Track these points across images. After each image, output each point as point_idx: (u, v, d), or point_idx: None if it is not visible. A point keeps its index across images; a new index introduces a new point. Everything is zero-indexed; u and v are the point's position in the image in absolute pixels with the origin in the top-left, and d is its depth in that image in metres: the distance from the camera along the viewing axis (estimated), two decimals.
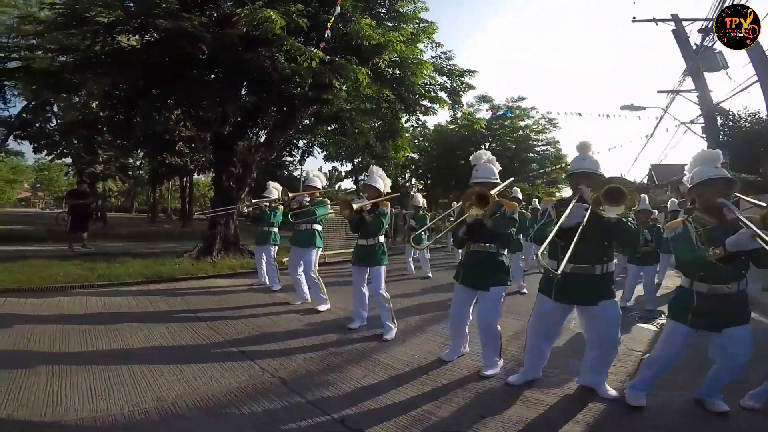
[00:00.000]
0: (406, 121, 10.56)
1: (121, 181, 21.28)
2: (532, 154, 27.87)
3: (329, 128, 12.45)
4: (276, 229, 5.98)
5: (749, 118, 12.50)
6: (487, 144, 28.17)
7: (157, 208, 27.92)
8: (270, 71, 7.33)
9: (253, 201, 5.87)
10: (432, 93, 9.70)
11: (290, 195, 4.95)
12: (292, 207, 4.87)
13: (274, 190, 5.96)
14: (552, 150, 27.77)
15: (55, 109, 16.63)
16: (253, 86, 7.94)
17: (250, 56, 6.75)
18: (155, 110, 9.42)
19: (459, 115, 21.87)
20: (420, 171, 31.09)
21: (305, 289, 5.03)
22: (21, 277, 5.39)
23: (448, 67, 9.75)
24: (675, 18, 12.23)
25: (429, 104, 9.50)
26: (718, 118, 12.36)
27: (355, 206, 3.67)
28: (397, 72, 8.83)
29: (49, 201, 49.62)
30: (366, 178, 4.02)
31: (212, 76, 8.07)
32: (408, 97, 9.37)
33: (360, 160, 28.59)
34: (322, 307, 4.74)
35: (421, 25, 9.00)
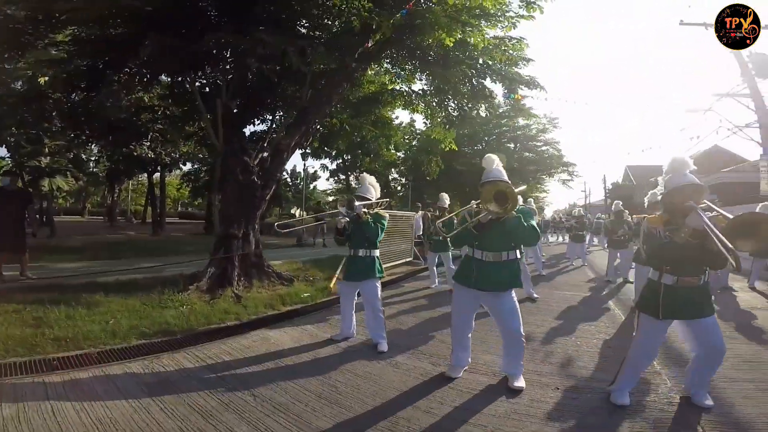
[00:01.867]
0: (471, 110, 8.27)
1: (73, 179, 17.67)
2: (531, 154, 26.76)
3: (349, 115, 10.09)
4: (378, 253, 3.67)
5: None
6: (483, 144, 26.77)
7: (115, 211, 24.09)
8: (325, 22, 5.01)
9: (358, 204, 3.44)
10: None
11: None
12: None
13: (371, 187, 3.66)
14: (552, 150, 26.79)
15: None
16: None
17: None
18: (133, 83, 6.72)
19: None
20: (404, 169, 28.78)
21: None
22: None
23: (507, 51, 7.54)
24: None
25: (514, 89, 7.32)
26: None
27: None
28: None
29: None
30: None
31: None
32: (478, 82, 7.17)
33: (349, 157, 26.25)
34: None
35: None
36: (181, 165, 19.67)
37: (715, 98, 12.06)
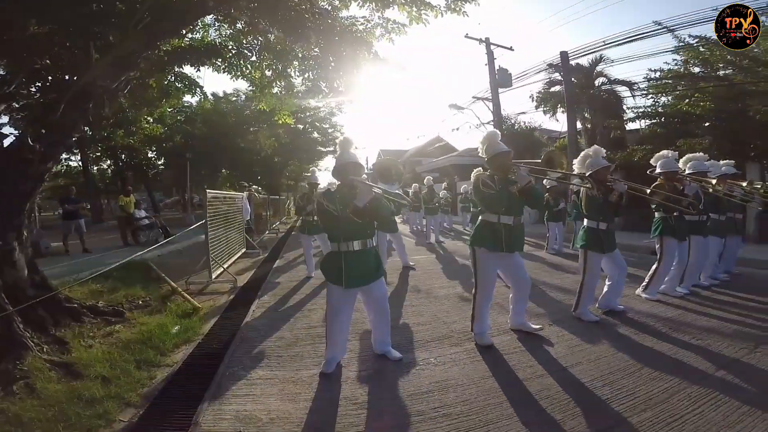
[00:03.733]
0: None
1: None
2: (319, 135, 27.48)
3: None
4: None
5: (518, 127, 16.34)
6: (269, 123, 25.40)
7: None
8: None
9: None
10: None
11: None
12: None
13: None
14: (337, 133, 28.25)
15: None
16: None
17: None
18: None
19: None
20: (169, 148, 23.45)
21: None
22: None
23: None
24: (487, 41, 14.46)
25: None
26: (503, 124, 15.78)
27: None
28: None
29: None
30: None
31: None
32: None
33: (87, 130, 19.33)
34: None
35: None
36: None
37: (472, 100, 15.47)
